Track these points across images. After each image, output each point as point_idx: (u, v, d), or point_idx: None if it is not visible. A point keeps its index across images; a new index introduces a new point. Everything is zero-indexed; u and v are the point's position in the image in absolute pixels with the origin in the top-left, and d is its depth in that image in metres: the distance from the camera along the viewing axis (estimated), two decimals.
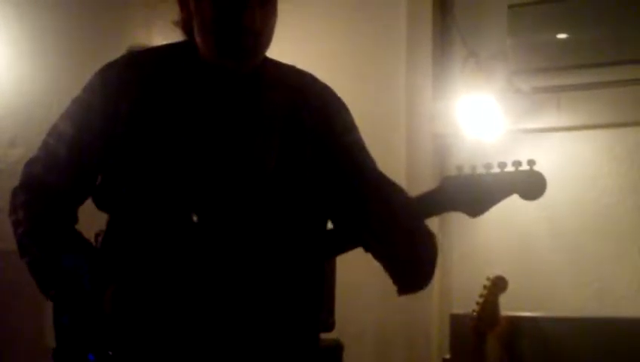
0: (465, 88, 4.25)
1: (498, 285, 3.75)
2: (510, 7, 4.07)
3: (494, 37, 4.27)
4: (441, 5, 4.53)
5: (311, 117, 2.07)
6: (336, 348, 3.71)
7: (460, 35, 4.43)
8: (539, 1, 4.05)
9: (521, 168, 1.91)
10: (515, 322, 3.96)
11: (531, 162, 1.92)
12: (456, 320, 4.14)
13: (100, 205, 2.10)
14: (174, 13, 2.08)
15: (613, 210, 4.09)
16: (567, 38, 3.98)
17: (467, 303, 3.86)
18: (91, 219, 2.17)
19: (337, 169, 2.07)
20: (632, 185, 4.08)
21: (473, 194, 1.91)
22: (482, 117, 4.21)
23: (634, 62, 3.91)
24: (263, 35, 2.00)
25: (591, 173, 4.16)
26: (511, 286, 3.78)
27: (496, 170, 1.91)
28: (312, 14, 4.73)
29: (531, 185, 1.91)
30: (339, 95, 2.16)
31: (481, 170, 1.91)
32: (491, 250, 4.19)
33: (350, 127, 2.14)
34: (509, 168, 1.91)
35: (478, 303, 3.74)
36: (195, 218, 1.96)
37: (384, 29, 4.61)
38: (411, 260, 1.94)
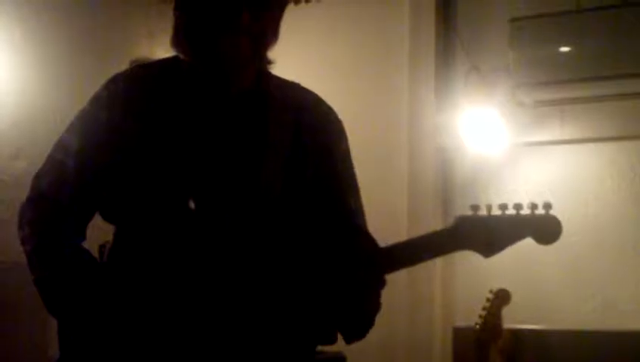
0: (467, 101, 4.25)
1: (501, 298, 3.75)
2: (512, 20, 4.07)
3: (497, 50, 4.27)
4: (444, 19, 4.54)
5: (313, 139, 2.07)
6: (339, 361, 3.71)
7: (462, 48, 4.44)
8: (541, 14, 4.06)
9: (537, 212, 1.91)
10: (518, 335, 3.96)
11: (547, 206, 1.91)
12: (459, 333, 4.14)
13: (106, 216, 2.09)
14: None
15: (616, 223, 4.09)
16: (569, 51, 3.98)
17: (470, 316, 3.86)
18: (97, 231, 2.16)
19: (325, 196, 2.07)
20: (635, 198, 4.08)
21: (488, 235, 1.92)
22: (485, 130, 4.21)
23: (637, 76, 3.92)
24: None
25: (594, 186, 4.16)
26: (514, 299, 3.78)
27: (511, 211, 1.91)
28: (314, 27, 4.74)
29: (546, 230, 1.91)
30: (340, 117, 2.15)
31: (496, 211, 1.91)
32: (494, 263, 4.15)
33: (346, 157, 2.14)
34: (525, 211, 1.90)
35: (480, 316, 3.74)
36: (191, 205, 1.96)
37: (386, 41, 4.62)
38: (363, 311, 1.96)
